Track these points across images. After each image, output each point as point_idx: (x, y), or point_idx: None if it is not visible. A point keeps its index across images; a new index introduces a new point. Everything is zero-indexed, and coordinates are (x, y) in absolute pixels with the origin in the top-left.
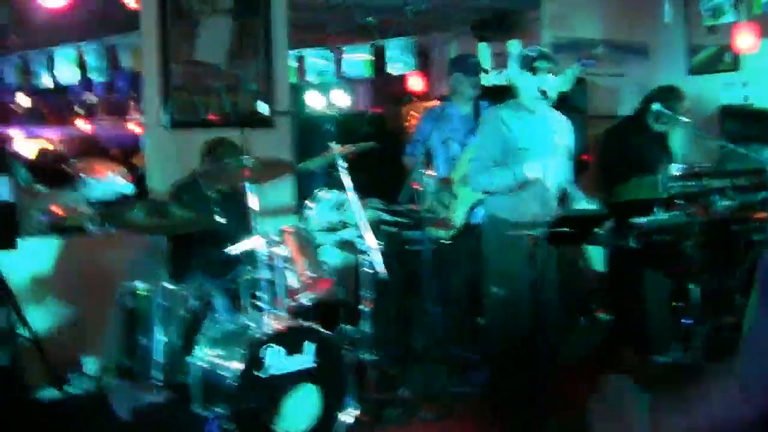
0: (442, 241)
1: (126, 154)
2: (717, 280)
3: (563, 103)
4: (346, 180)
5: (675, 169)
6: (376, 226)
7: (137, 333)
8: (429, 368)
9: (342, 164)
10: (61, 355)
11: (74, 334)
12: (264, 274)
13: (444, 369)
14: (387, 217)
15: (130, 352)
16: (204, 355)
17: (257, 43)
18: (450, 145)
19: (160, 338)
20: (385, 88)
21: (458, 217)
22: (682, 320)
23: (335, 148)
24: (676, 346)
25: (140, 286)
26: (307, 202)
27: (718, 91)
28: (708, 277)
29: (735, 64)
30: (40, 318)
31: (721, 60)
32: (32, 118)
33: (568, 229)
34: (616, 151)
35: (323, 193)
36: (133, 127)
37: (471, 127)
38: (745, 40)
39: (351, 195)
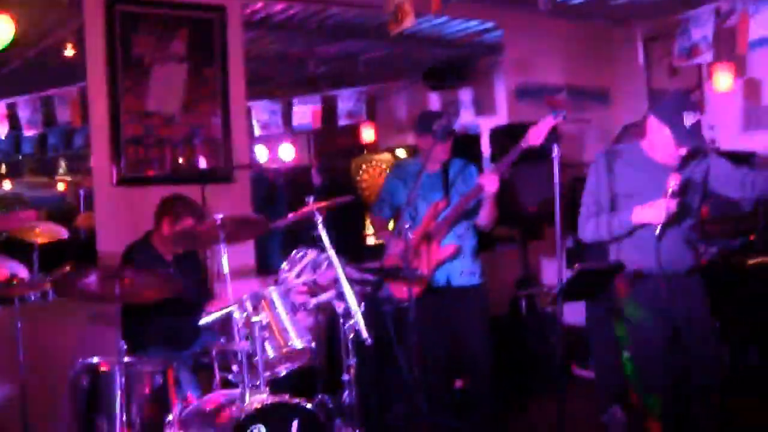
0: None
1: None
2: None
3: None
4: (325, 237)
5: None
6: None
7: (95, 415)
8: None
9: (319, 220)
10: None
11: (15, 416)
12: (240, 345)
13: None
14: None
15: None
16: None
17: (214, 93)
18: (417, 202)
19: (122, 420)
20: (334, 139)
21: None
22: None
23: (311, 203)
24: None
25: (98, 361)
26: (283, 263)
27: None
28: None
29: (700, 107)
30: None
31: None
32: None
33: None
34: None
35: (298, 252)
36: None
37: (439, 185)
38: (722, 80)
39: (331, 253)
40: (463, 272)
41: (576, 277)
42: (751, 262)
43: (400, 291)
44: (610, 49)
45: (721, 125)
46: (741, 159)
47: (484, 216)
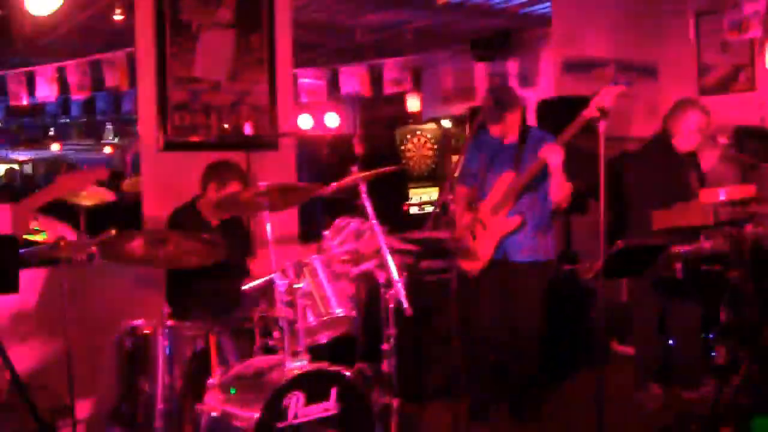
0: (468, 274)
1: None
2: (758, 311)
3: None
4: (368, 207)
5: (721, 194)
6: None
7: (137, 376)
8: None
9: (363, 189)
10: (49, 399)
11: (62, 374)
12: (282, 311)
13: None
14: (399, 245)
15: (130, 397)
16: (215, 402)
17: (260, 60)
18: (488, 175)
19: (164, 383)
20: (379, 109)
21: (485, 252)
22: (712, 353)
23: (357, 172)
24: (708, 381)
25: (141, 324)
26: (325, 231)
27: (731, 111)
28: (750, 308)
29: (751, 84)
30: (24, 357)
31: (735, 79)
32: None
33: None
34: (646, 175)
35: (342, 221)
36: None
37: (511, 156)
38: None
39: (373, 223)
40: (524, 247)
41: (619, 253)
42: None
43: (465, 263)
44: (660, 23)
45: None
46: None
47: (553, 191)
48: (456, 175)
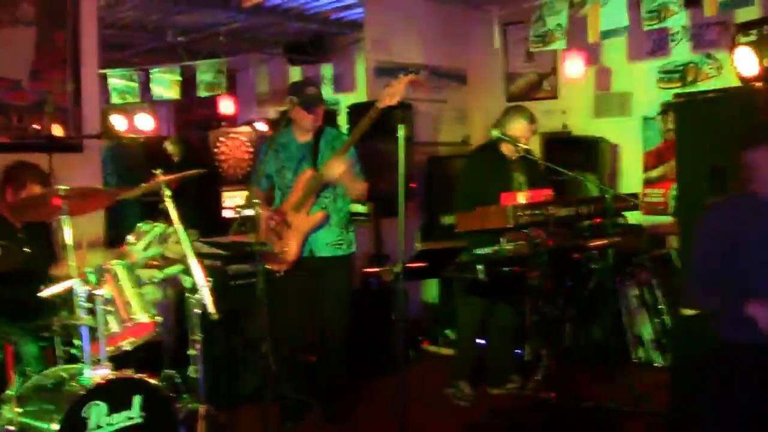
0: (276, 275)
1: None
2: (559, 310)
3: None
4: (172, 211)
5: (522, 198)
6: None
7: None
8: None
9: (167, 193)
10: None
11: None
12: (82, 318)
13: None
14: (207, 249)
15: None
16: (12, 415)
17: (64, 59)
18: (284, 174)
19: None
20: (193, 111)
21: (291, 250)
22: (518, 351)
23: (161, 175)
24: (515, 377)
25: None
26: (129, 236)
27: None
28: (551, 308)
29: (555, 92)
30: None
31: (540, 87)
32: None
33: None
34: (474, 179)
35: (145, 226)
36: None
37: (309, 155)
38: (574, 67)
39: (178, 227)
40: (329, 243)
41: (417, 256)
42: (593, 244)
43: (272, 264)
44: (468, 32)
45: (573, 111)
46: (586, 144)
47: (348, 191)
48: (252, 177)
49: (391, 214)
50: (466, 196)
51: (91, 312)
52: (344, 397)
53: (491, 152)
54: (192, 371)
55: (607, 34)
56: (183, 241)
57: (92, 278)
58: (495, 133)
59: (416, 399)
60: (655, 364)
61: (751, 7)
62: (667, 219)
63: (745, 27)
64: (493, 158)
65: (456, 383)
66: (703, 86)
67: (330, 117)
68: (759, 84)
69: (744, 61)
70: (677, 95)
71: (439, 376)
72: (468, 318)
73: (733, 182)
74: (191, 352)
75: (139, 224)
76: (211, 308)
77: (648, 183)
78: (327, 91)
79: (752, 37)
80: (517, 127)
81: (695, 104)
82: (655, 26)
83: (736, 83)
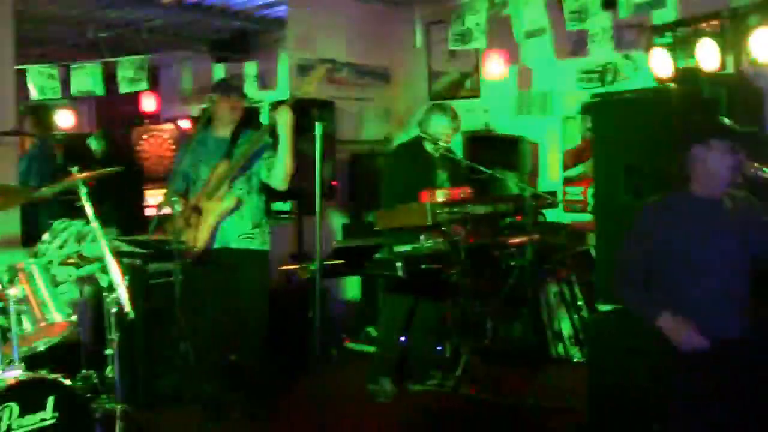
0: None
1: None
2: (479, 307)
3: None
4: (89, 209)
5: (441, 196)
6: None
7: None
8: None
9: (83, 191)
10: None
11: None
12: None
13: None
14: (126, 248)
15: None
16: None
17: None
18: (200, 168)
19: None
20: (115, 108)
21: (201, 236)
22: (439, 347)
23: (76, 173)
24: (435, 373)
25: None
26: (44, 234)
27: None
28: (470, 304)
29: (476, 91)
30: None
31: (462, 86)
32: None
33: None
34: (398, 176)
35: (60, 224)
36: None
37: (224, 149)
38: (495, 67)
39: (94, 225)
40: (241, 235)
41: (334, 254)
42: (512, 242)
43: (186, 253)
44: (392, 30)
45: (495, 110)
46: (507, 142)
47: (280, 157)
48: (170, 176)
49: (313, 213)
50: (391, 194)
51: (3, 312)
52: (265, 396)
53: (415, 150)
54: (110, 371)
55: (528, 34)
56: (100, 239)
57: (4, 278)
58: (415, 131)
59: (338, 396)
60: (574, 360)
61: (664, 9)
62: (587, 217)
63: (660, 29)
64: (416, 156)
65: (377, 380)
66: (621, 86)
67: (253, 114)
68: (673, 85)
69: (659, 63)
70: (594, 95)
71: (361, 373)
72: (390, 315)
73: (668, 181)
74: (108, 351)
75: (54, 223)
76: (127, 307)
77: (568, 181)
78: (251, 89)
79: (667, 39)
80: (439, 124)
81: (611, 104)
82: (576, 27)
83: (653, 84)
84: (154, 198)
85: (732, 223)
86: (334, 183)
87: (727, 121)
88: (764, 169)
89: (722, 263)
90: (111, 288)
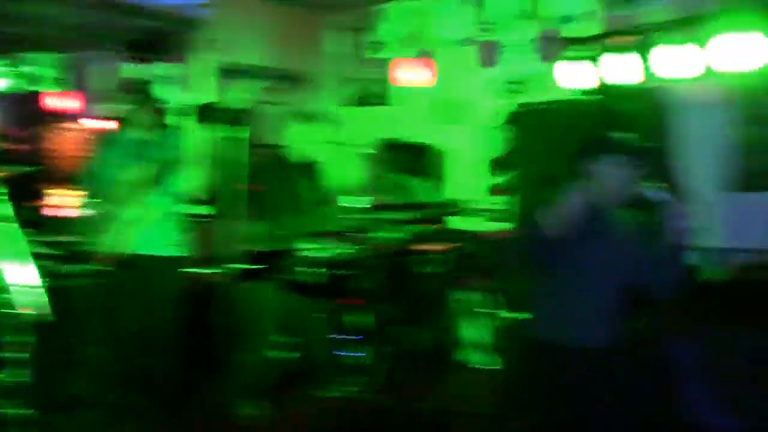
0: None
1: None
2: (389, 313)
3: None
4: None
5: (346, 201)
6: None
7: None
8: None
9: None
10: None
11: None
12: None
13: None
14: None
15: None
16: None
17: None
18: (115, 170)
19: None
20: (26, 105)
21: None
22: (350, 354)
23: None
24: (348, 380)
25: None
26: None
27: (372, 123)
28: (380, 310)
29: (385, 99)
30: None
31: (373, 93)
32: None
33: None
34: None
35: None
36: None
37: (143, 154)
38: (410, 74)
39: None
40: (158, 241)
41: (245, 258)
42: (422, 248)
43: (102, 258)
44: (311, 36)
45: (408, 118)
46: (418, 150)
47: (196, 171)
48: (84, 177)
49: (230, 217)
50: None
51: None
52: (177, 400)
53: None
54: (7, 375)
55: (446, 43)
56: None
57: None
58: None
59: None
60: (482, 367)
61: (582, 22)
62: (507, 225)
63: (575, 42)
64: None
65: (283, 386)
66: (540, 97)
67: (170, 117)
68: (588, 96)
69: (575, 75)
70: (515, 105)
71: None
72: (299, 320)
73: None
74: (7, 355)
75: None
76: (20, 309)
77: (488, 190)
78: (169, 91)
79: (582, 52)
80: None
81: (530, 114)
82: (495, 37)
83: (570, 95)
84: (60, 198)
85: (619, 242)
86: (252, 187)
87: (627, 135)
88: (659, 185)
89: (599, 273)
90: (6, 289)
